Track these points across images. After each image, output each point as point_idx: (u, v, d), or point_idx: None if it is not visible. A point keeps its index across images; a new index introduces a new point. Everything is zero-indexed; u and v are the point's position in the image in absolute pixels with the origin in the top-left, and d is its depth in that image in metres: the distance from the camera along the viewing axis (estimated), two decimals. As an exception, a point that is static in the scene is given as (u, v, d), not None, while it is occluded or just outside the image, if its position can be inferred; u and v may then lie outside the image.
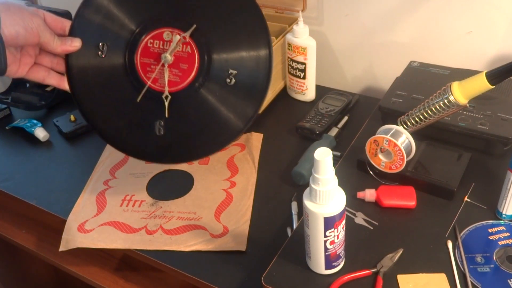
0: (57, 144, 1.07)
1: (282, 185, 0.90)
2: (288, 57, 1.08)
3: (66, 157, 1.04)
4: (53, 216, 0.89)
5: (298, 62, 1.06)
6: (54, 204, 0.91)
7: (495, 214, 0.73)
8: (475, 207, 0.75)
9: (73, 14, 1.26)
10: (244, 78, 0.71)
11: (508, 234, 0.70)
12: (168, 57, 0.70)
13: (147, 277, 0.90)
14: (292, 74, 1.09)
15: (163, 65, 0.71)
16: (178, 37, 0.70)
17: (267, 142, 1.01)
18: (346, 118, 1.02)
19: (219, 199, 0.88)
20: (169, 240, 0.81)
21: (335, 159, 0.81)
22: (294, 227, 0.78)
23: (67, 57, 0.72)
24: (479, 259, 0.67)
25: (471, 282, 0.64)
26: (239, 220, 0.83)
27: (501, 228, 0.71)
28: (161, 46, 0.71)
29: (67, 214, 0.88)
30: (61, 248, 0.82)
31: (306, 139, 0.99)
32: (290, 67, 1.09)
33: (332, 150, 0.82)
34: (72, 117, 1.08)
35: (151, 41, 0.72)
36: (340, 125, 1.00)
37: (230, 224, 0.83)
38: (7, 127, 1.12)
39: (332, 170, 0.59)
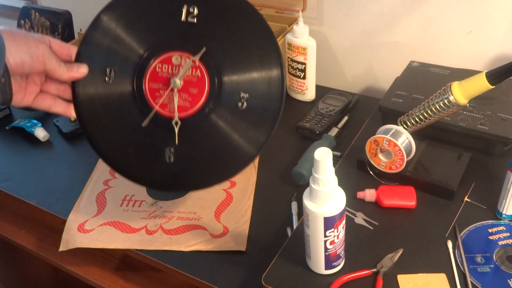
0: (57, 144, 1.07)
1: (282, 185, 0.90)
2: (288, 57, 1.08)
3: (66, 157, 1.04)
4: (53, 216, 0.89)
5: (298, 62, 1.06)
6: (54, 204, 0.91)
7: (495, 214, 0.73)
8: (475, 207, 0.75)
9: (73, 14, 1.26)
10: (256, 101, 0.68)
11: (508, 234, 0.70)
12: (178, 81, 0.68)
13: (147, 277, 0.90)
14: (292, 74, 1.09)
15: (172, 90, 0.68)
16: (189, 61, 0.68)
17: (267, 142, 1.00)
18: (346, 118, 1.02)
19: (219, 199, 0.88)
20: (169, 240, 0.81)
21: (335, 159, 0.81)
22: (294, 227, 0.78)
23: (74, 84, 0.70)
24: (479, 259, 0.67)
25: (471, 282, 0.64)
26: (239, 220, 0.83)
27: (501, 228, 0.71)
28: (170, 71, 0.69)
29: (67, 214, 0.88)
30: (61, 248, 0.82)
31: (306, 139, 0.99)
32: (290, 67, 1.09)
33: (332, 150, 0.82)
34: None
35: (160, 65, 0.70)
36: (340, 125, 1.00)
37: (230, 224, 0.83)
38: (7, 127, 1.12)
39: (332, 170, 0.59)
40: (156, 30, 0.71)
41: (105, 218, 0.86)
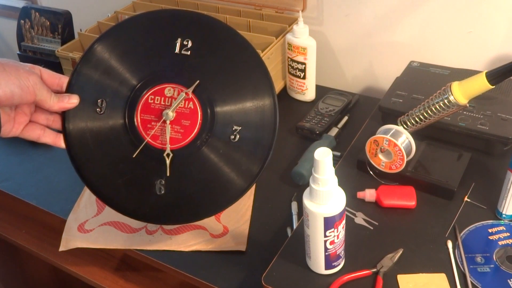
0: (57, 144, 1.07)
1: (282, 185, 0.90)
2: (288, 57, 1.08)
3: (66, 157, 1.02)
4: (53, 216, 0.89)
5: (298, 62, 1.06)
6: (54, 204, 0.91)
7: (495, 214, 0.73)
8: (475, 207, 0.75)
9: (73, 14, 1.26)
10: (249, 133, 0.69)
11: (508, 234, 0.70)
12: (170, 114, 0.68)
13: (147, 277, 0.90)
14: (292, 74, 1.09)
15: (164, 122, 0.68)
16: (183, 94, 0.68)
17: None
18: (346, 118, 1.02)
19: (219, 199, 0.87)
20: (169, 240, 0.81)
21: (335, 159, 0.81)
22: (294, 227, 0.78)
23: (64, 114, 0.69)
24: (479, 259, 0.67)
25: (471, 282, 0.64)
26: (239, 220, 0.83)
27: (501, 228, 0.71)
28: (162, 102, 0.69)
29: (67, 214, 0.88)
30: (61, 248, 0.82)
31: (306, 139, 0.99)
32: (290, 67, 1.09)
33: (332, 150, 0.82)
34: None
35: (152, 97, 0.69)
36: (340, 125, 1.00)
37: (230, 224, 0.83)
38: (7, 127, 1.12)
39: (332, 170, 0.59)
40: (149, 61, 0.70)
41: (105, 218, 0.86)
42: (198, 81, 0.68)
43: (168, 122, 0.68)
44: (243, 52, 0.70)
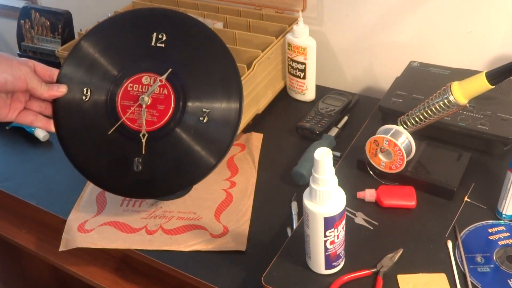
0: (57, 144, 1.07)
1: (282, 185, 0.90)
2: (288, 57, 1.08)
3: (66, 157, 1.03)
4: (53, 216, 0.89)
5: (298, 62, 1.06)
6: (54, 204, 0.91)
7: (495, 214, 0.73)
8: (475, 207, 0.75)
9: (73, 14, 1.26)
10: (216, 116, 0.76)
11: (508, 234, 0.70)
12: (146, 98, 0.75)
13: (147, 277, 0.90)
14: (292, 74, 1.09)
15: (140, 105, 0.76)
16: (158, 81, 0.76)
17: (267, 142, 1.01)
18: (346, 118, 1.02)
19: (219, 199, 0.88)
20: (169, 240, 0.81)
21: (335, 159, 0.81)
22: (294, 227, 0.78)
23: (54, 102, 0.77)
24: (479, 259, 0.67)
25: (471, 282, 0.64)
26: (239, 220, 0.83)
27: (501, 228, 0.71)
28: (140, 90, 0.77)
29: (67, 214, 0.88)
30: (61, 248, 0.82)
31: (306, 139, 0.99)
32: (290, 67, 1.09)
33: (332, 150, 0.82)
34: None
35: (131, 85, 0.77)
36: (340, 125, 1.00)
37: (230, 224, 0.83)
38: (7, 127, 1.12)
39: (332, 170, 0.59)
40: (129, 54, 0.79)
41: (105, 218, 0.86)
42: (170, 70, 0.76)
43: (144, 106, 0.76)
44: (212, 44, 0.78)
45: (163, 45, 0.78)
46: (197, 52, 0.78)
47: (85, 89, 0.78)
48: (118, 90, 0.77)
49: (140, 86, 0.77)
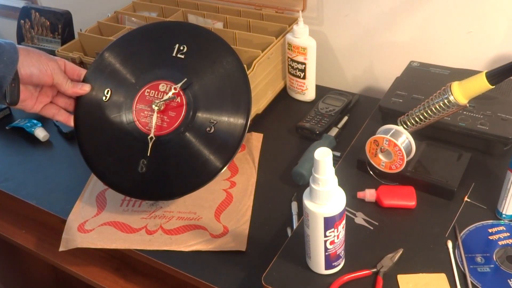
0: (57, 144, 1.07)
1: (282, 185, 0.90)
2: (288, 57, 1.08)
3: (66, 157, 1.04)
4: (53, 216, 0.89)
5: (298, 62, 1.06)
6: (54, 204, 0.91)
7: (495, 214, 0.73)
8: (475, 207, 0.75)
9: (73, 14, 1.26)
10: (223, 127, 0.79)
11: (508, 234, 0.70)
12: (159, 104, 0.80)
13: (147, 277, 0.90)
14: (292, 74, 1.09)
15: (153, 110, 0.81)
16: (172, 89, 0.81)
17: (267, 142, 1.01)
18: (346, 118, 1.02)
19: (219, 199, 0.88)
20: (169, 240, 0.81)
21: (335, 159, 0.81)
22: (294, 227, 0.78)
23: (77, 99, 0.84)
24: (479, 259, 0.67)
25: (471, 282, 0.64)
26: (239, 220, 0.83)
27: (501, 228, 0.71)
28: (156, 95, 0.82)
29: (67, 214, 0.88)
30: (61, 248, 0.82)
31: (306, 139, 0.99)
32: (290, 67, 1.09)
33: (332, 150, 0.82)
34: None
35: (148, 90, 0.83)
36: (340, 125, 1.00)
37: (230, 224, 0.83)
38: (7, 127, 1.12)
39: (332, 170, 0.59)
40: (150, 61, 0.85)
41: (105, 218, 0.86)
42: (185, 79, 0.81)
43: (156, 111, 0.80)
44: (228, 59, 0.82)
45: (183, 56, 0.83)
46: (213, 65, 0.82)
47: (105, 90, 0.84)
48: (136, 94, 0.83)
49: (157, 92, 0.82)
